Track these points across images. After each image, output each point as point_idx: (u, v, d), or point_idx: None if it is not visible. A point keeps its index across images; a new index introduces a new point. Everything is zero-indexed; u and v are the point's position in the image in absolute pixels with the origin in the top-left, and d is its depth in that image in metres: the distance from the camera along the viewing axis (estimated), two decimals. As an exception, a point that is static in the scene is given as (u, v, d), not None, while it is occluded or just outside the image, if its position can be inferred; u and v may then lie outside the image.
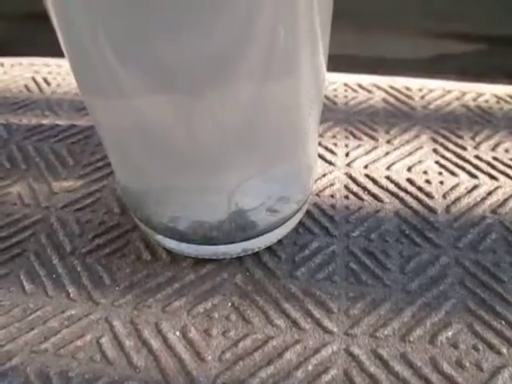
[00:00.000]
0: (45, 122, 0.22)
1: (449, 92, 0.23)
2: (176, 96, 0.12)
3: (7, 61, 0.27)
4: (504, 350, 0.14)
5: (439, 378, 0.13)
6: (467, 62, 0.29)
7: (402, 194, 0.19)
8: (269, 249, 0.17)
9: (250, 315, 0.15)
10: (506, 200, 0.18)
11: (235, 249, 0.16)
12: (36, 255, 0.17)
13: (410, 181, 0.19)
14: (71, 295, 0.16)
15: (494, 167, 0.20)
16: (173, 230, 0.16)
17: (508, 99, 0.23)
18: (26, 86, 0.25)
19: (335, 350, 0.14)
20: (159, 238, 0.16)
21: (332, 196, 0.18)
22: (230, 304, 0.15)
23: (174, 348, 0.14)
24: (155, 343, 0.14)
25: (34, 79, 0.25)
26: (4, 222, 0.18)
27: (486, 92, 0.23)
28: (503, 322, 0.15)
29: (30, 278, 0.16)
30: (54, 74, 0.26)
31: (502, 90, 0.23)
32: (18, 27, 0.30)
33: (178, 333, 0.14)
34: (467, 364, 0.14)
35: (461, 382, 0.13)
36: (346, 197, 0.18)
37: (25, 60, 0.27)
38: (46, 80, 0.25)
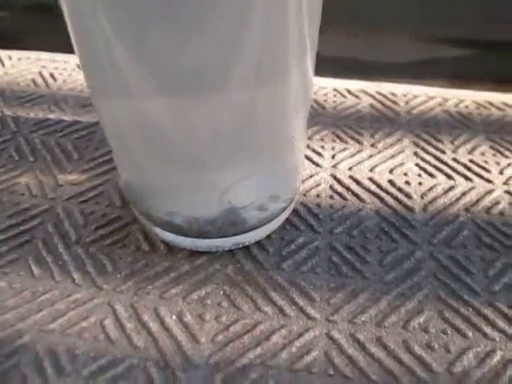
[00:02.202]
0: (51, 116, 0.24)
1: (432, 98, 0.25)
2: (175, 99, 0.13)
3: (15, 54, 0.28)
4: (470, 334, 0.16)
5: (410, 358, 0.15)
6: (459, 67, 0.31)
7: (382, 194, 0.20)
8: (258, 243, 0.18)
9: (240, 302, 0.16)
10: (478, 200, 0.20)
11: (227, 242, 0.17)
12: (43, 243, 0.18)
13: (391, 182, 0.21)
14: (76, 281, 0.17)
15: (469, 169, 0.21)
16: (170, 223, 0.17)
17: (487, 105, 0.24)
18: (33, 81, 0.26)
19: (317, 334, 0.16)
20: (158, 230, 0.17)
21: (318, 196, 0.20)
22: (221, 292, 0.17)
23: (171, 330, 0.16)
24: (154, 326, 0.16)
25: (40, 74, 0.26)
26: (13, 210, 0.19)
27: (467, 99, 0.25)
28: (470, 309, 0.16)
29: (38, 264, 0.17)
30: (60, 69, 0.27)
31: (482, 96, 0.25)
32: (25, 18, 0.31)
33: (174, 317, 0.16)
34: (436, 346, 0.15)
35: (430, 362, 0.15)
36: (331, 196, 0.20)
37: (32, 54, 0.28)
38: (52, 75, 0.26)
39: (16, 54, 0.28)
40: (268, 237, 0.18)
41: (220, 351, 0.15)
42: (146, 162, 0.16)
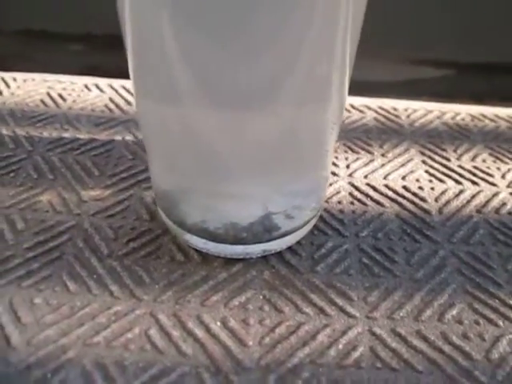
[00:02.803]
0: (65, 135, 0.24)
1: (430, 112, 0.27)
2: (224, 113, 0.14)
3: (19, 76, 0.28)
4: (501, 323, 0.16)
5: (450, 348, 0.16)
6: (438, 86, 0.33)
7: (399, 199, 0.21)
8: (289, 249, 0.19)
9: (281, 305, 0.17)
10: (487, 202, 0.21)
11: (261, 248, 0.18)
12: (75, 258, 0.18)
13: (405, 188, 0.22)
14: (114, 293, 0.17)
15: (474, 175, 0.23)
16: (205, 230, 0.17)
17: (481, 118, 0.26)
18: (43, 101, 0.26)
19: (360, 331, 0.16)
20: (192, 238, 0.18)
21: (339, 202, 0.21)
22: (261, 297, 0.17)
23: (218, 336, 0.16)
24: (200, 333, 0.16)
25: (49, 94, 0.26)
26: (39, 227, 0.19)
27: (462, 112, 0.27)
28: (497, 301, 0.17)
29: (72, 279, 0.17)
30: (68, 90, 0.27)
31: (475, 109, 0.27)
32: (15, 44, 0.31)
33: (218, 323, 0.16)
34: (472, 336, 0.16)
35: (469, 351, 0.16)
36: (352, 203, 0.21)
37: (37, 76, 0.28)
38: (61, 96, 0.26)
39: (20, 75, 0.28)
40: (298, 242, 0.19)
41: (269, 353, 0.15)
42: (191, 170, 0.16)
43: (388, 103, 0.27)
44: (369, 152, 0.24)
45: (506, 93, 0.30)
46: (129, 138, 0.24)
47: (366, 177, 0.22)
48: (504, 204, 0.21)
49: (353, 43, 0.15)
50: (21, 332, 0.16)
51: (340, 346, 0.16)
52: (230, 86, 0.14)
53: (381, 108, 0.27)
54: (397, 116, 0.26)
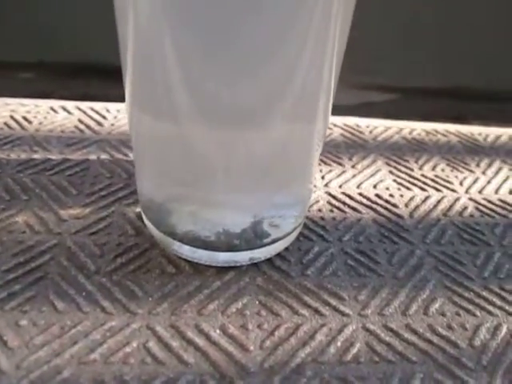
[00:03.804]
0: (36, 156, 0.23)
1: (389, 128, 0.29)
2: (220, 127, 0.15)
3: (-21, 101, 0.27)
4: (478, 313, 0.18)
5: (438, 338, 0.17)
6: (388, 108, 0.36)
7: (374, 205, 0.22)
8: (278, 255, 0.19)
9: (277, 309, 0.17)
10: (451, 206, 0.23)
11: (253, 255, 0.18)
12: (61, 276, 0.17)
13: (377, 195, 0.23)
14: (107, 309, 0.16)
15: (436, 182, 0.24)
16: (197, 239, 0.17)
17: (434, 133, 0.29)
18: (6, 124, 0.25)
19: (354, 328, 0.17)
20: (176, 246, 0.18)
21: (319, 210, 0.22)
22: (257, 302, 0.17)
23: (219, 343, 0.16)
24: (200, 341, 0.16)
25: (12, 117, 0.26)
26: (18, 248, 0.18)
27: (417, 128, 0.29)
28: (472, 293, 0.18)
29: (59, 298, 0.16)
30: (32, 112, 0.26)
31: (428, 126, 0.29)
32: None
33: (218, 330, 0.16)
34: (455, 326, 0.17)
35: (454, 340, 0.17)
36: (331, 210, 0.22)
37: (-2, 100, 0.27)
38: (25, 118, 0.26)
39: (-21, 100, 0.27)
40: (286, 249, 0.19)
41: (271, 355, 0.15)
42: (182, 180, 0.16)
43: (351, 121, 0.29)
44: (340, 164, 0.25)
45: (447, 113, 0.33)
46: (104, 156, 0.24)
47: (340, 186, 0.23)
48: (465, 208, 0.23)
49: (337, 67, 0.16)
50: (8, 356, 0.15)
51: (338, 344, 0.16)
52: (226, 105, 0.14)
53: (345, 125, 0.28)
54: (360, 132, 0.28)
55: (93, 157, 0.24)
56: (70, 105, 0.28)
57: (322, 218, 0.21)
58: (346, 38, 0.16)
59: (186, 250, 0.18)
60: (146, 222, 0.19)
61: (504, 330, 0.17)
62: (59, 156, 0.23)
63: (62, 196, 0.21)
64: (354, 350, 0.16)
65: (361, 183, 0.24)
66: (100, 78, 0.32)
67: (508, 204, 0.24)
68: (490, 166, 0.26)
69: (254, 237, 0.18)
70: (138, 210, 0.20)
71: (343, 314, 0.17)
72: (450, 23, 0.33)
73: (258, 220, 0.17)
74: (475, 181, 0.25)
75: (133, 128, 0.17)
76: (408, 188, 0.24)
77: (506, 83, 0.35)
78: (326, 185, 0.23)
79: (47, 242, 0.19)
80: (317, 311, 0.17)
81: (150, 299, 0.17)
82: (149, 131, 0.16)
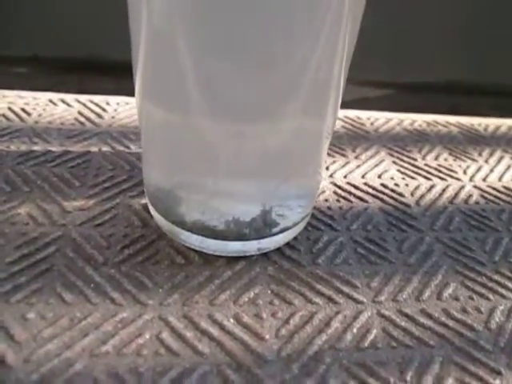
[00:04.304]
0: (36, 148, 0.22)
1: (390, 120, 0.29)
2: (232, 121, 0.15)
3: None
4: (491, 296, 0.18)
5: (453, 322, 0.17)
6: (382, 103, 0.36)
7: (380, 195, 0.22)
8: (287, 245, 0.19)
9: (290, 298, 0.17)
10: (456, 194, 0.23)
11: (262, 244, 0.18)
12: (67, 268, 0.17)
13: (383, 185, 0.23)
14: (116, 300, 0.16)
15: (440, 171, 0.24)
16: (206, 228, 0.17)
17: (435, 124, 0.29)
18: (4, 116, 0.24)
19: (370, 314, 0.16)
20: (185, 236, 0.17)
21: (326, 200, 0.21)
22: (269, 291, 0.17)
23: (233, 332, 0.15)
24: (214, 331, 0.15)
25: (10, 109, 0.25)
26: (21, 240, 0.17)
27: (418, 119, 0.29)
28: (484, 278, 0.18)
29: (67, 290, 0.16)
30: (31, 104, 0.25)
31: (428, 117, 0.29)
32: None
33: (232, 320, 0.16)
34: (470, 309, 0.17)
35: (470, 323, 0.17)
36: (338, 200, 0.22)
37: (-5, 93, 0.26)
38: (24, 110, 0.25)
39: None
40: (295, 238, 0.19)
41: (288, 343, 0.15)
42: (192, 169, 0.16)
43: (352, 113, 0.29)
44: (343, 155, 0.25)
45: (440, 107, 0.33)
46: (106, 148, 0.23)
47: (345, 177, 0.23)
48: (471, 195, 0.23)
49: (347, 65, 0.16)
50: (16, 351, 0.14)
51: (354, 331, 0.16)
52: (238, 99, 0.14)
53: (346, 117, 0.28)
54: (362, 124, 0.28)
55: (94, 149, 0.23)
56: (69, 97, 0.27)
57: (329, 208, 0.21)
58: (355, 37, 0.16)
59: (195, 240, 0.17)
60: (153, 212, 0.19)
61: (517, 313, 0.17)
62: (60, 148, 0.23)
63: (64, 188, 0.20)
64: (371, 336, 0.16)
65: (365, 173, 0.24)
66: (96, 73, 0.32)
67: None
68: (491, 155, 0.27)
69: (263, 226, 0.17)
70: (144, 201, 0.20)
71: (357, 301, 0.17)
72: (441, 20, 0.34)
73: (267, 209, 0.17)
74: (478, 169, 0.25)
75: (143, 119, 0.17)
76: (412, 177, 0.24)
77: (496, 78, 0.35)
78: (331, 175, 0.23)
79: (52, 233, 0.18)
80: (330, 299, 0.17)
81: (161, 290, 0.16)
82: (160, 123, 0.16)
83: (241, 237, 0.17)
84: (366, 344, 0.15)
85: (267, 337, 0.15)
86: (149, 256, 0.18)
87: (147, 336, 0.15)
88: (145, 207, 0.20)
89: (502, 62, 0.35)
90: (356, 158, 0.25)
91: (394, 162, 0.25)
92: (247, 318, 0.16)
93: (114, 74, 0.30)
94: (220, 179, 0.16)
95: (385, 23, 0.34)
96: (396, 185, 0.23)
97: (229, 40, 0.13)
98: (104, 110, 0.26)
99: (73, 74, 0.33)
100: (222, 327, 0.15)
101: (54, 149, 0.23)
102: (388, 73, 0.35)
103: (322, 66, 0.15)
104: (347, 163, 0.24)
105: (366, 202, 0.22)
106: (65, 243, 0.18)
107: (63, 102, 0.26)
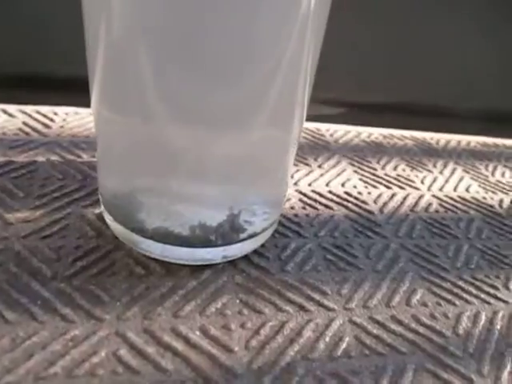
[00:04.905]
0: (-25, 158, 0.20)
1: (349, 132, 0.29)
2: (195, 128, 0.14)
3: None
4: (457, 302, 0.18)
5: (423, 328, 0.16)
6: (337, 121, 0.37)
7: (344, 202, 0.22)
8: (255, 252, 0.18)
9: (260, 307, 0.16)
10: (416, 202, 0.23)
11: (230, 251, 0.17)
12: (9, 284, 0.15)
13: (347, 193, 0.23)
14: (67, 317, 0.14)
15: (399, 181, 0.25)
16: (169, 234, 0.16)
17: (390, 137, 0.29)
18: None
19: (341, 322, 0.16)
20: (145, 245, 0.16)
21: (292, 208, 0.21)
22: (238, 301, 0.16)
23: (200, 346, 0.14)
24: (178, 345, 0.14)
25: None
26: (-44, 256, 0.15)
27: (375, 132, 0.30)
28: (449, 283, 0.18)
29: (9, 308, 0.14)
30: (-32, 115, 0.23)
31: (385, 131, 0.30)
32: None
33: (197, 332, 0.14)
34: (438, 315, 0.17)
35: (439, 329, 0.16)
36: (304, 208, 0.21)
37: None
38: (-38, 120, 0.23)
39: None
40: (262, 246, 0.18)
41: (258, 355, 0.14)
42: (154, 174, 0.15)
43: (311, 125, 0.29)
44: (306, 164, 0.25)
45: (392, 126, 0.34)
46: (55, 158, 0.21)
47: (309, 185, 0.23)
48: (430, 204, 0.23)
49: (311, 81, 0.16)
50: None
51: (327, 339, 0.15)
52: (203, 110, 0.14)
53: (307, 129, 0.28)
54: (321, 135, 0.28)
55: (41, 159, 0.21)
56: (12, 108, 0.25)
57: (296, 215, 0.20)
58: (318, 54, 0.16)
59: (156, 248, 0.16)
60: (109, 222, 0.17)
61: (483, 317, 0.17)
62: (2, 158, 0.21)
63: (6, 199, 0.18)
64: (344, 345, 0.15)
65: (329, 181, 0.23)
66: (41, 89, 0.30)
67: (467, 200, 0.24)
68: (445, 166, 0.27)
69: (230, 231, 0.17)
70: (98, 210, 0.18)
71: (328, 308, 0.16)
72: (399, 43, 0.35)
73: (235, 213, 0.16)
74: (434, 180, 0.26)
75: (100, 125, 0.16)
76: (374, 186, 0.24)
77: (446, 98, 0.37)
78: (296, 183, 0.23)
79: (-9, 247, 0.16)
80: (301, 307, 0.16)
81: (118, 304, 0.15)
82: (119, 128, 0.15)
83: (206, 244, 0.16)
84: (339, 353, 0.15)
85: (236, 349, 0.14)
86: (104, 268, 0.16)
87: (103, 354, 0.13)
88: (99, 217, 0.18)
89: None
90: (319, 167, 0.25)
91: (356, 172, 0.25)
92: (214, 329, 0.15)
93: (60, 90, 0.29)
94: (184, 183, 0.15)
95: (343, 45, 0.35)
96: (359, 193, 0.23)
97: (191, 51, 0.13)
98: (52, 120, 0.25)
99: (16, 90, 0.31)
100: (186, 341, 0.14)
101: (-5, 158, 0.21)
102: (343, 92, 0.36)
103: (286, 83, 0.14)
104: (311, 172, 0.24)
105: (332, 209, 0.21)
106: (6, 257, 0.16)
107: (5, 112, 0.24)
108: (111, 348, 0.14)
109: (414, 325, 0.16)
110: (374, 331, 0.16)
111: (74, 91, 0.26)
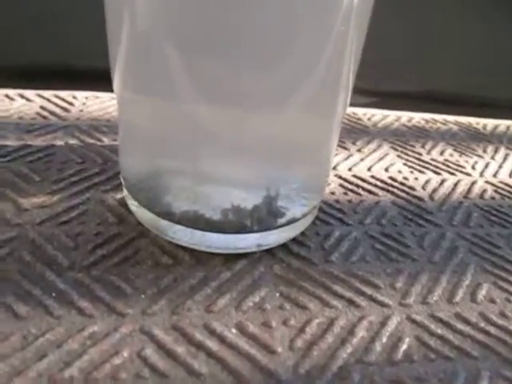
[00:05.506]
0: (-11, 142, 0.19)
1: (387, 116, 0.27)
2: (231, 110, 0.13)
3: None
4: (532, 298, 0.15)
5: (494, 328, 0.14)
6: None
7: (390, 188, 0.20)
8: (294, 240, 0.16)
9: (304, 301, 0.14)
10: (469, 189, 0.21)
11: (266, 240, 0.15)
12: (22, 274, 0.13)
13: (391, 178, 0.21)
14: (85, 311, 0.12)
15: (448, 166, 0.22)
16: (199, 219, 0.14)
17: (433, 121, 0.27)
18: (-48, 109, 0.21)
19: (399, 320, 0.14)
20: (172, 231, 0.14)
21: (332, 193, 0.19)
22: (278, 294, 0.14)
23: (237, 346, 0.12)
24: (213, 345, 0.12)
25: (-42, 103, 0.21)
26: (-37, 243, 0.14)
27: (416, 116, 0.27)
28: (519, 277, 0.16)
29: (20, 301, 0.12)
30: (-19, 99, 0.22)
31: (427, 115, 0.28)
32: None
33: (234, 330, 0.12)
34: (509, 313, 0.14)
35: (515, 328, 0.14)
36: (345, 193, 0.19)
37: None
38: (-26, 104, 0.22)
39: None
40: (302, 233, 0.16)
41: (305, 358, 0.12)
42: (182, 156, 0.14)
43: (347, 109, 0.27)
44: (345, 148, 0.22)
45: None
46: (73, 141, 0.20)
47: (350, 169, 0.21)
48: (484, 190, 0.21)
49: (355, 65, 0.15)
50: None
51: (384, 340, 0.13)
52: (239, 91, 0.13)
53: (342, 112, 0.26)
54: (359, 119, 0.26)
55: (59, 142, 0.20)
56: (30, 93, 0.24)
57: (337, 201, 0.18)
58: (363, 42, 0.15)
59: (184, 235, 0.14)
60: (133, 207, 0.16)
61: (561, 315, 0.15)
62: (17, 142, 0.19)
63: (21, 183, 0.17)
64: (404, 346, 0.13)
65: (371, 166, 0.21)
66: (60, 80, 0.28)
67: (525, 187, 0.22)
68: (496, 151, 0.25)
69: (267, 215, 0.15)
70: (120, 195, 0.17)
71: (382, 304, 0.14)
72: (425, 33, 0.33)
73: (272, 195, 0.14)
74: (487, 165, 0.23)
75: (124, 108, 0.15)
76: (421, 171, 0.22)
77: (476, 89, 0.34)
78: (335, 168, 0.21)
79: (3, 234, 0.15)
80: (351, 302, 0.14)
81: (143, 296, 0.13)
82: (144, 111, 0.14)
83: (240, 229, 0.14)
84: (399, 356, 0.13)
85: (279, 350, 0.12)
86: (127, 256, 0.14)
87: (125, 354, 0.11)
88: (121, 202, 0.16)
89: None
90: (358, 150, 0.22)
91: (399, 156, 0.23)
92: (253, 326, 0.13)
93: (81, 81, 0.28)
94: (216, 163, 0.14)
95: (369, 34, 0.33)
96: (405, 178, 0.21)
97: (228, 32, 0.12)
98: (71, 103, 0.23)
99: (34, 82, 0.30)
100: (221, 339, 0.12)
101: (9, 143, 0.19)
102: (373, 81, 0.34)
103: (331, 65, 0.13)
104: (350, 156, 0.22)
105: (377, 195, 0.19)
106: (19, 245, 0.14)
107: (22, 97, 0.23)
108: (135, 347, 0.12)
109: (483, 324, 0.14)
110: (438, 331, 0.13)
111: (92, 83, 0.25)
